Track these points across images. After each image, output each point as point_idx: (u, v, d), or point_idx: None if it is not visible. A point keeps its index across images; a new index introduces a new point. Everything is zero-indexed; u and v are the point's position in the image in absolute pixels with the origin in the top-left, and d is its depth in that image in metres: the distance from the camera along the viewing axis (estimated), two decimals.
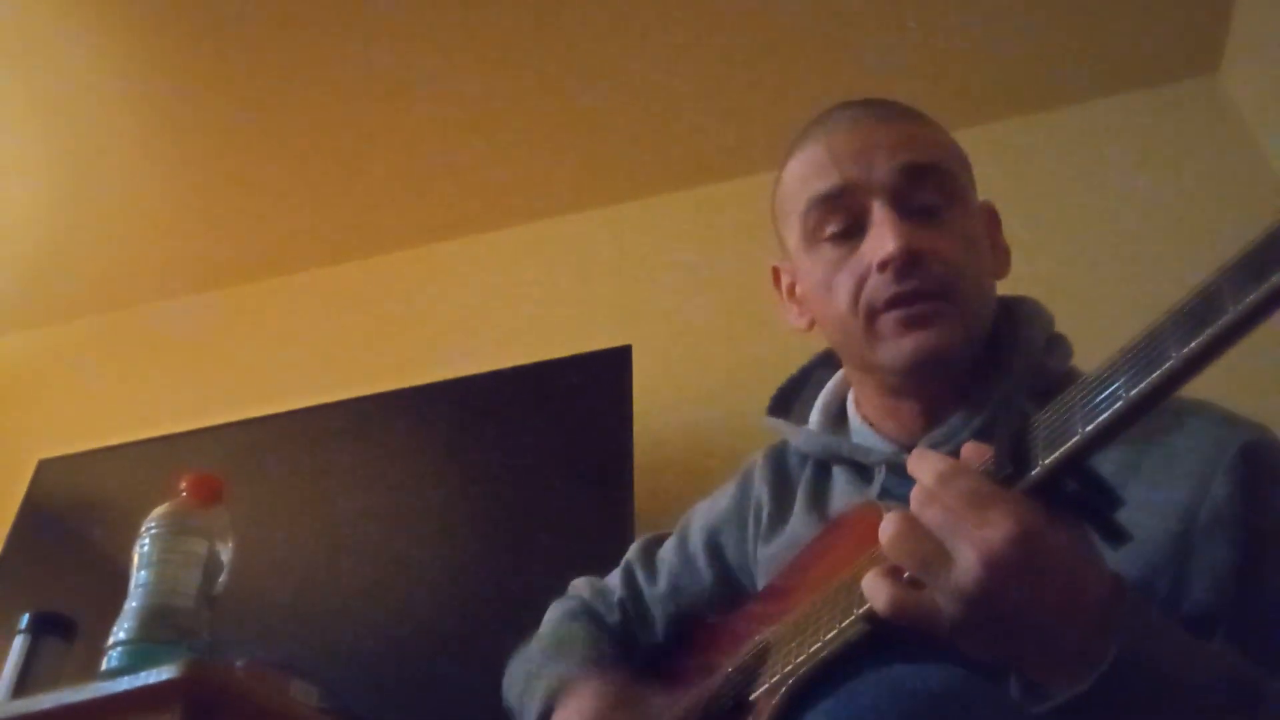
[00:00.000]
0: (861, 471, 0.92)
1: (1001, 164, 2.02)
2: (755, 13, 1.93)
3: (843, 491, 0.93)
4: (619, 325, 2.07)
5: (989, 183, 2.02)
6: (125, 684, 0.99)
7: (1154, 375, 0.51)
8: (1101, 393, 0.54)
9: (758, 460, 1.05)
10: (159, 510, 1.15)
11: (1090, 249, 1.88)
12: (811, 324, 0.97)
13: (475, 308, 2.28)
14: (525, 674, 0.99)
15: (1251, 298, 0.46)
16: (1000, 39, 1.96)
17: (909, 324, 0.85)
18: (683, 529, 1.08)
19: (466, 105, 2.10)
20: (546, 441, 1.82)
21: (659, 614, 1.04)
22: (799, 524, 0.94)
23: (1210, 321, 0.48)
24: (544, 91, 2.07)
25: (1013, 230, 1.94)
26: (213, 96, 2.09)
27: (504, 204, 2.31)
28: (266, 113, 2.12)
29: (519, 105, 2.10)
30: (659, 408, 1.89)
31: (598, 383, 1.83)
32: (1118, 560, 0.60)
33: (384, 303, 2.37)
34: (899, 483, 0.87)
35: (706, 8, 1.93)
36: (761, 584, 0.94)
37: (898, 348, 0.85)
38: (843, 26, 1.95)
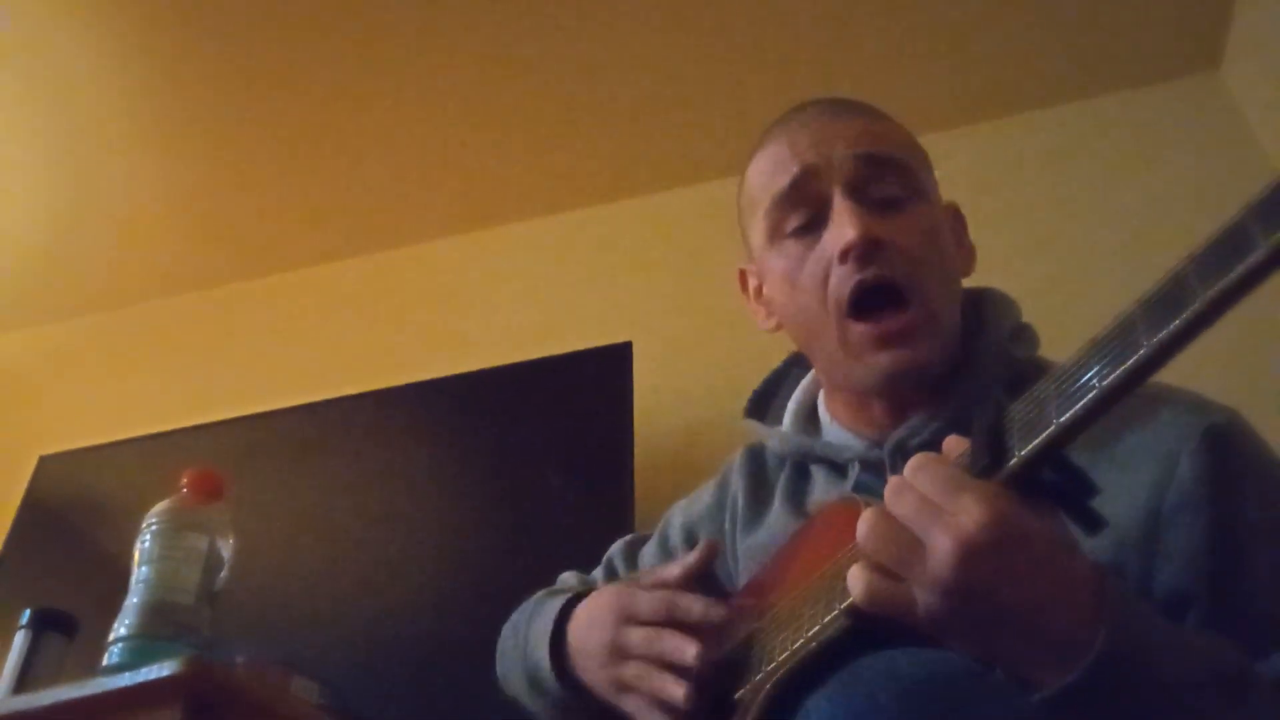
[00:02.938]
0: (837, 469, 0.92)
1: (1002, 161, 2.02)
2: (756, 11, 1.93)
3: (821, 489, 0.93)
4: (619, 322, 2.07)
5: (989, 180, 2.03)
6: (126, 680, 0.99)
7: (1126, 364, 0.51)
8: (1075, 382, 0.54)
9: (735, 458, 1.05)
10: (160, 506, 1.15)
11: (1091, 246, 1.88)
12: (778, 325, 0.97)
13: (475, 304, 2.28)
14: (525, 616, 0.98)
15: (1219, 285, 0.47)
16: (1000, 36, 1.96)
17: (884, 342, 0.85)
18: (663, 527, 1.09)
19: (466, 103, 2.10)
20: (546, 438, 1.82)
21: None
22: (778, 520, 0.94)
23: (1180, 309, 0.48)
24: (543, 89, 2.07)
25: (1012, 228, 1.95)
26: (212, 96, 2.09)
27: (503, 201, 2.31)
28: (265, 111, 2.12)
29: (518, 102, 2.10)
30: (659, 405, 1.89)
31: (598, 379, 1.83)
32: (1089, 545, 0.60)
33: (383, 300, 2.37)
34: (873, 479, 0.87)
35: (707, 6, 1.92)
36: (741, 579, 0.94)
37: (873, 364, 0.85)
38: (844, 24, 1.95)
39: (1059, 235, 1.91)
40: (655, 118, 2.13)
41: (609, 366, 1.83)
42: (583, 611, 0.88)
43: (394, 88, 2.08)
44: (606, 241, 2.25)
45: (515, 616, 1.02)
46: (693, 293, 2.09)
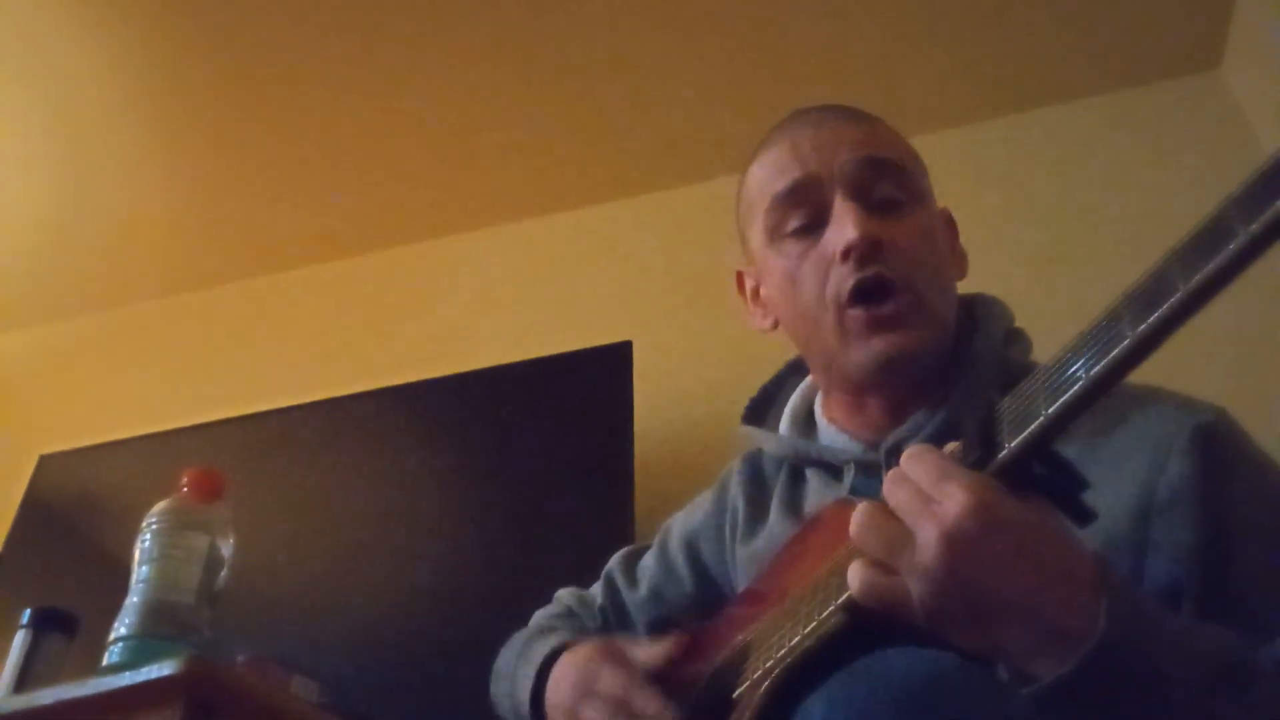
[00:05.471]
0: (832, 472, 0.93)
1: (1002, 160, 2.02)
2: (756, 10, 1.93)
3: (816, 493, 0.93)
4: (620, 321, 2.07)
5: (990, 179, 2.03)
6: (126, 680, 0.99)
7: (1112, 354, 0.52)
8: (1063, 375, 0.55)
9: (734, 467, 1.06)
10: (160, 506, 1.15)
11: (1090, 246, 1.88)
12: (775, 324, 0.98)
13: (476, 303, 2.28)
14: (515, 654, 1.00)
15: (1201, 274, 0.48)
16: (1001, 35, 1.96)
17: (878, 325, 0.86)
18: (662, 538, 1.09)
19: (466, 102, 2.10)
20: (547, 437, 1.82)
21: (640, 620, 1.05)
22: (775, 526, 0.95)
23: (1162, 301, 0.50)
24: (544, 88, 2.07)
25: (1011, 227, 1.95)
26: (212, 95, 2.09)
27: (504, 200, 2.31)
28: (266, 111, 2.12)
29: (519, 102, 2.10)
30: (659, 404, 1.89)
31: (598, 379, 1.84)
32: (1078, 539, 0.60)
33: (383, 299, 2.37)
34: (868, 481, 0.88)
35: (707, 6, 1.92)
36: (740, 587, 0.95)
37: (867, 349, 0.86)
38: (844, 23, 1.95)
39: (1058, 235, 1.91)
40: (655, 118, 2.13)
41: (609, 366, 1.83)
42: (557, 671, 0.91)
43: (394, 87, 2.08)
44: (606, 241, 2.25)
45: (506, 652, 1.04)
46: (693, 293, 2.09)
